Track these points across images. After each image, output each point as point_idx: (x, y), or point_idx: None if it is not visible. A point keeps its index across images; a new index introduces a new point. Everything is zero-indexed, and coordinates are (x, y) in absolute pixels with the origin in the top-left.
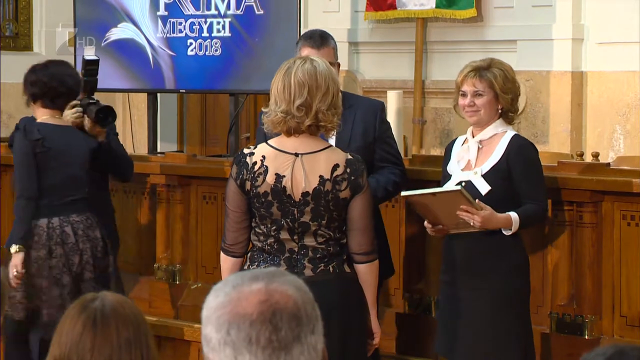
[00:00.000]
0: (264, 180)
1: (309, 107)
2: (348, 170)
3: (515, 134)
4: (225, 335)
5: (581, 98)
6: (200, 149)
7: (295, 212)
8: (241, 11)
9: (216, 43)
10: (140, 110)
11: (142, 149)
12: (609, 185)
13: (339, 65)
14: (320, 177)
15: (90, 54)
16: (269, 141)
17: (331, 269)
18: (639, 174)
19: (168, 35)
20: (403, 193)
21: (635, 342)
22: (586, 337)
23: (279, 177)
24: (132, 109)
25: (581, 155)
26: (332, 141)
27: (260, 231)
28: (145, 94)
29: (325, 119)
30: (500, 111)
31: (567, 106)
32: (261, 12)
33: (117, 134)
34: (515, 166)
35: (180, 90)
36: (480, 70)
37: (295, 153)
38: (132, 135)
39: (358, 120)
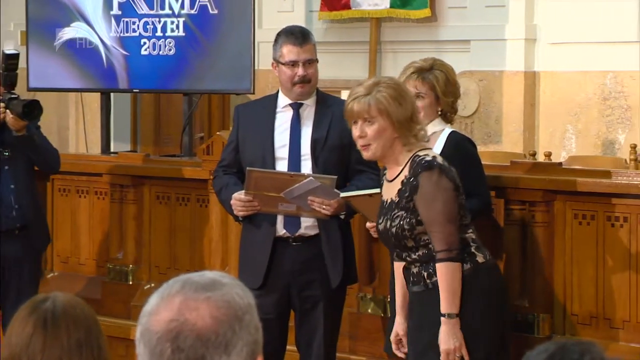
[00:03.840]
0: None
1: None
2: None
3: (453, 131)
4: (137, 347)
5: (534, 98)
6: (154, 149)
7: None
8: (195, 11)
9: (170, 42)
10: (93, 110)
11: (95, 149)
12: (561, 184)
13: (317, 61)
14: None
15: (10, 48)
16: (424, 148)
17: None
18: (590, 173)
19: (121, 34)
20: (342, 194)
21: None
22: (537, 336)
23: None
24: (84, 108)
25: (534, 154)
26: (308, 138)
27: (466, 222)
28: (99, 93)
29: None
30: (439, 112)
31: (520, 106)
32: (215, 11)
33: (39, 127)
34: (454, 162)
35: (134, 90)
36: (423, 72)
37: None
38: (85, 135)
39: (335, 121)
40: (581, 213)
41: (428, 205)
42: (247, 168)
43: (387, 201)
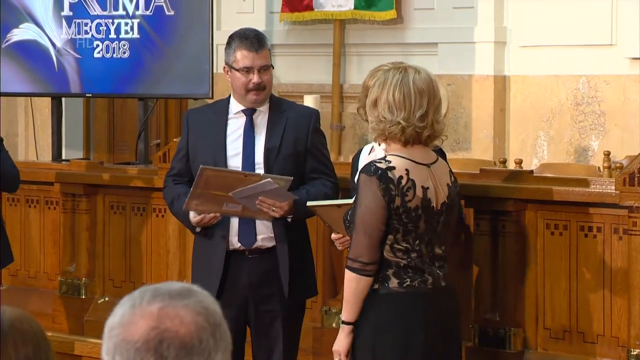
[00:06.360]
0: (414, 194)
1: (427, 117)
2: (453, 177)
3: None
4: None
5: (504, 103)
6: (108, 156)
7: (435, 223)
8: (150, 12)
9: (124, 45)
10: (44, 115)
11: (46, 156)
12: (532, 193)
13: (272, 67)
14: (448, 185)
15: None
16: (395, 153)
17: (447, 277)
18: (562, 181)
19: (73, 36)
20: (309, 203)
21: (559, 355)
22: (509, 351)
23: (424, 190)
24: (35, 113)
25: (504, 162)
26: (261, 146)
27: (402, 247)
28: (49, 98)
29: (439, 130)
30: None
31: (490, 111)
32: (172, 12)
33: (1, 140)
34: None
35: (87, 95)
36: None
37: (427, 164)
38: (35, 141)
39: (290, 127)
40: (553, 223)
41: (353, 207)
42: (201, 166)
43: None
